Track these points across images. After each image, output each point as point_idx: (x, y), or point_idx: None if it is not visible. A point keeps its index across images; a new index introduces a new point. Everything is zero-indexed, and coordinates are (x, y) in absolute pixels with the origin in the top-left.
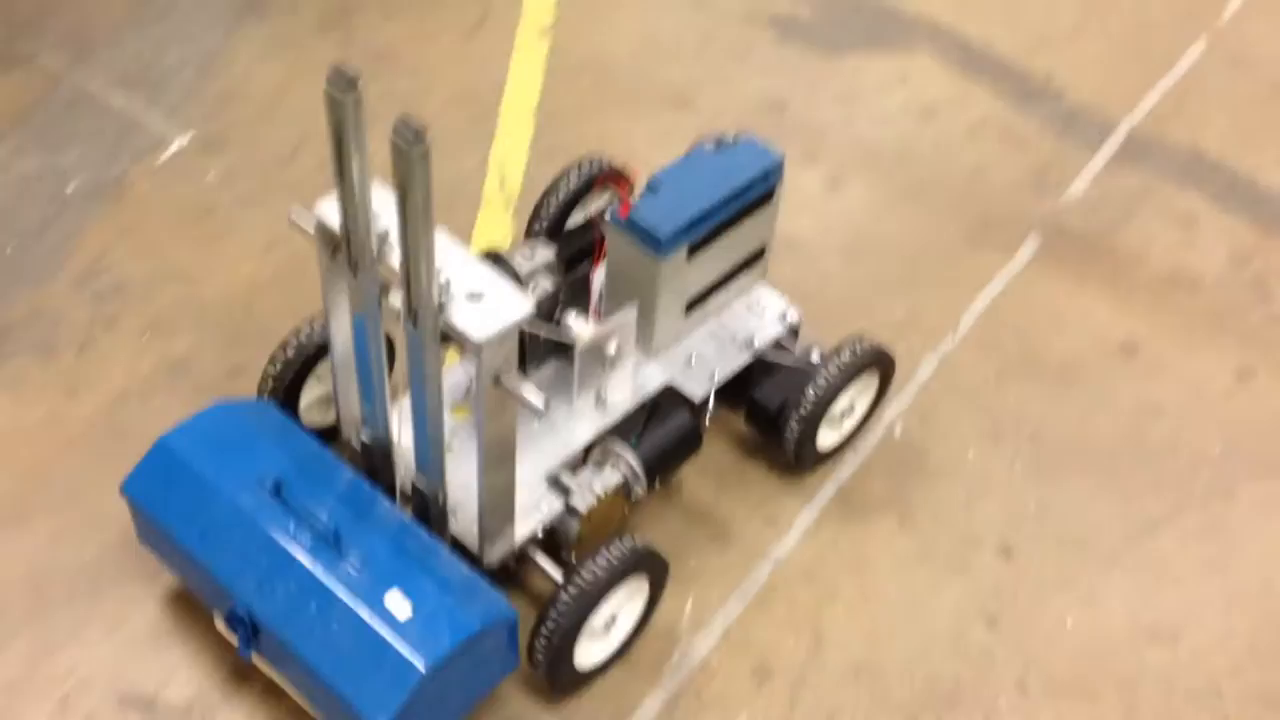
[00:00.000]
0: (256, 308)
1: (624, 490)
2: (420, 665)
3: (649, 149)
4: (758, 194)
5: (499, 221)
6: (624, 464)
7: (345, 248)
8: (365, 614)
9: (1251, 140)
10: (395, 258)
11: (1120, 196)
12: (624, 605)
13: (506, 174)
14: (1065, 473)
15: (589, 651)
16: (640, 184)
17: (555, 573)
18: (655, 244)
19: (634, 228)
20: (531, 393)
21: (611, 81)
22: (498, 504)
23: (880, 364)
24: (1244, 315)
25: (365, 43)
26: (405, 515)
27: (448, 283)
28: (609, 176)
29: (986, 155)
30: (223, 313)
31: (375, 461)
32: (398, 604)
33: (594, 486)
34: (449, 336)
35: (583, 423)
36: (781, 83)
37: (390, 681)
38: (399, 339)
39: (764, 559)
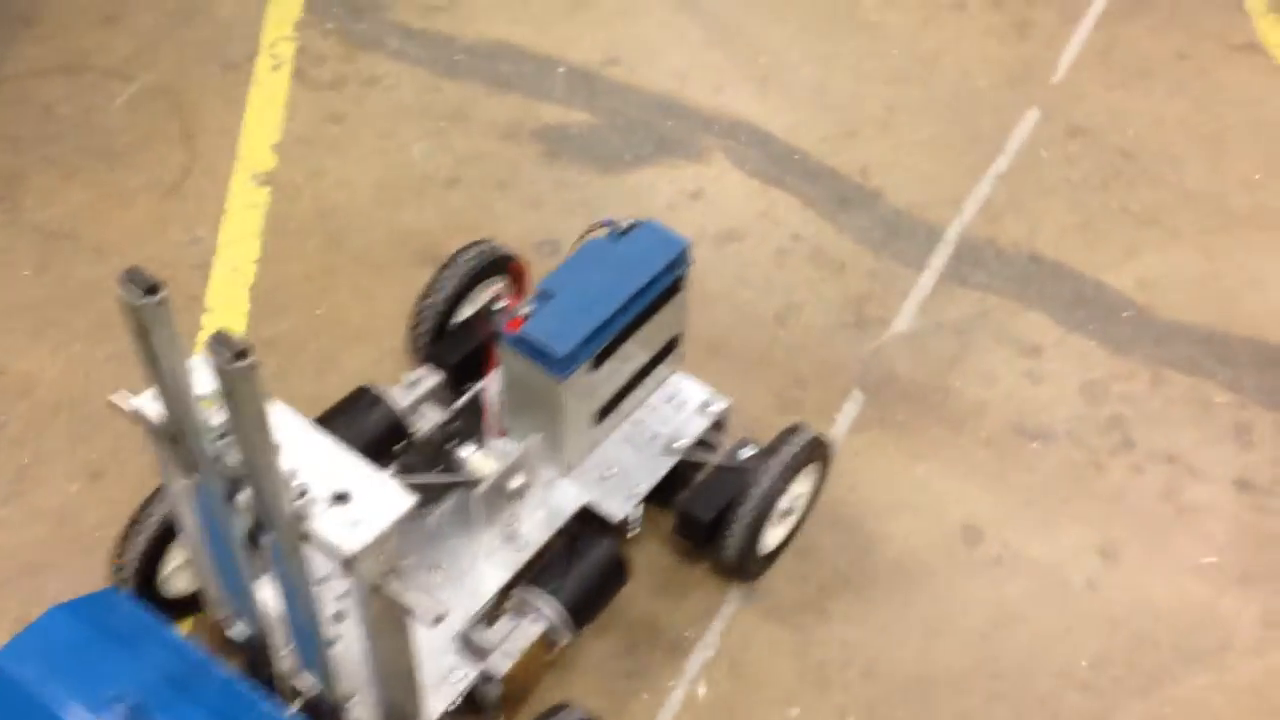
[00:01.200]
0: None
1: (546, 640)
2: None
3: (392, 325)
4: (664, 287)
5: None
6: (545, 615)
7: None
8: None
9: (1094, 231)
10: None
11: (954, 324)
12: None
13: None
14: None
15: None
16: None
17: None
18: (553, 363)
19: (528, 346)
20: (421, 601)
21: (345, 239)
22: (402, 697)
23: (820, 455)
24: (1103, 469)
25: (37, 218)
26: (294, 716)
27: (306, 486)
28: (497, 266)
29: (798, 287)
30: None
31: (252, 655)
32: None
33: (512, 644)
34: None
35: (492, 566)
36: (553, 214)
37: None
38: None
39: None
